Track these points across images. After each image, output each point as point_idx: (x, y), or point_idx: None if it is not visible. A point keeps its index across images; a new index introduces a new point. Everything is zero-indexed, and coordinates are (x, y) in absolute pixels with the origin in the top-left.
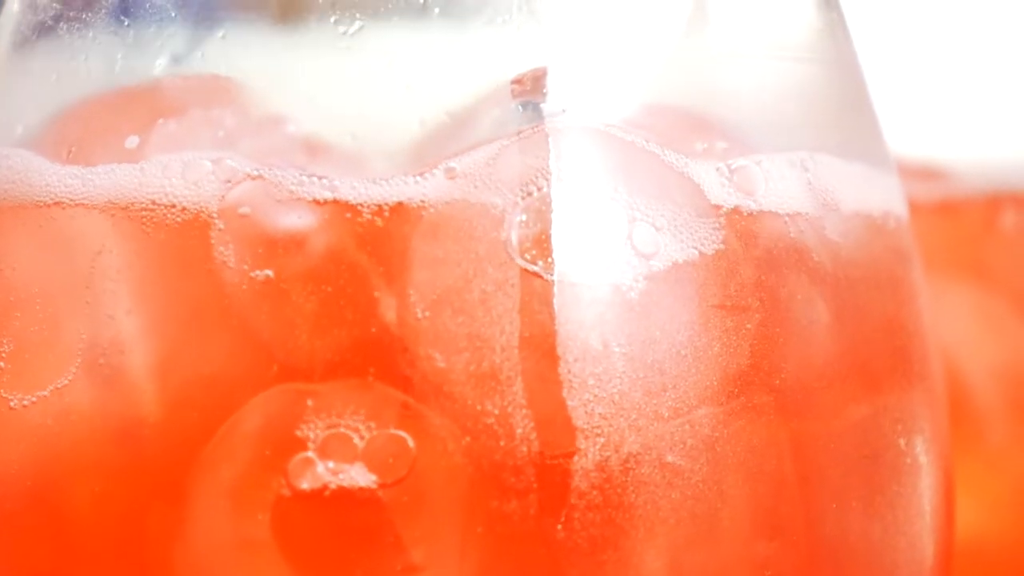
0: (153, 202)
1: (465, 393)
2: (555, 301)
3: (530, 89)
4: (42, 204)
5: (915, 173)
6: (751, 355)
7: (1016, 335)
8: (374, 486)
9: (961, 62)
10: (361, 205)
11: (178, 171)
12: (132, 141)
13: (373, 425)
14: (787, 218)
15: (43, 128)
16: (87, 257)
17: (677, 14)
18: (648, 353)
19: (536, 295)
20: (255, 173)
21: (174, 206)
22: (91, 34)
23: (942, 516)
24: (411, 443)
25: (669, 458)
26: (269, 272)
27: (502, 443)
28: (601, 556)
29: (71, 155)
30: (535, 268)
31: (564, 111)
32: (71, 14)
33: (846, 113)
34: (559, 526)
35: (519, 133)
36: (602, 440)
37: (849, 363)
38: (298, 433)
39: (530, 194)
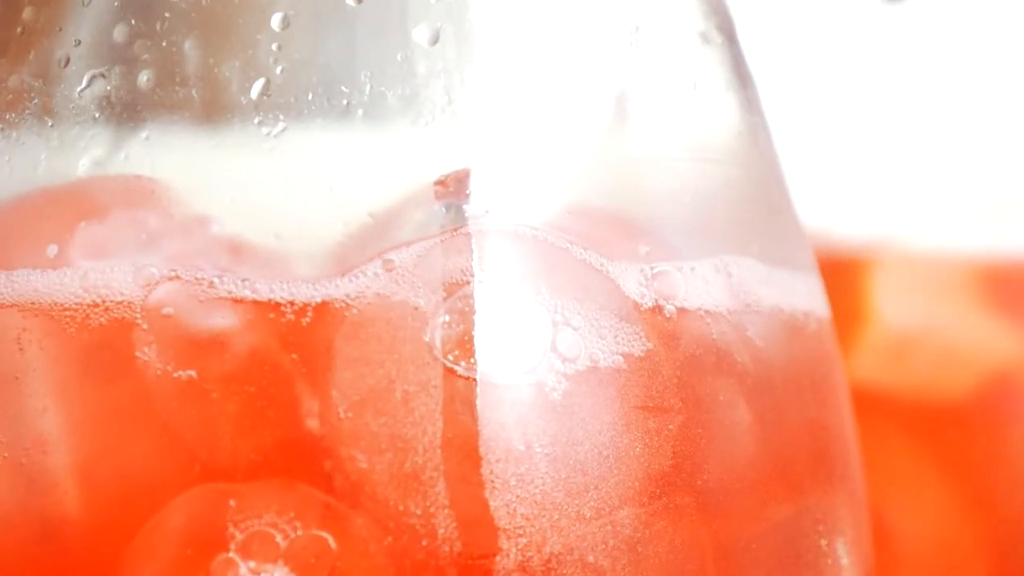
0: (76, 303)
1: (387, 493)
2: (478, 402)
3: (453, 190)
4: None
5: None
6: (673, 456)
7: None
8: None
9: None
10: (284, 305)
11: (101, 272)
12: (52, 249)
13: (297, 525)
14: (709, 321)
15: None
16: (9, 357)
17: (599, 116)
18: (570, 454)
19: (459, 396)
20: (178, 274)
21: (97, 306)
22: (15, 135)
23: None
24: (333, 544)
25: (591, 559)
26: (192, 372)
27: (424, 543)
28: None
29: None
30: (458, 369)
31: (487, 212)
32: None
33: (768, 216)
34: None
35: (442, 234)
36: (524, 540)
37: (771, 464)
38: (220, 533)
39: (453, 295)
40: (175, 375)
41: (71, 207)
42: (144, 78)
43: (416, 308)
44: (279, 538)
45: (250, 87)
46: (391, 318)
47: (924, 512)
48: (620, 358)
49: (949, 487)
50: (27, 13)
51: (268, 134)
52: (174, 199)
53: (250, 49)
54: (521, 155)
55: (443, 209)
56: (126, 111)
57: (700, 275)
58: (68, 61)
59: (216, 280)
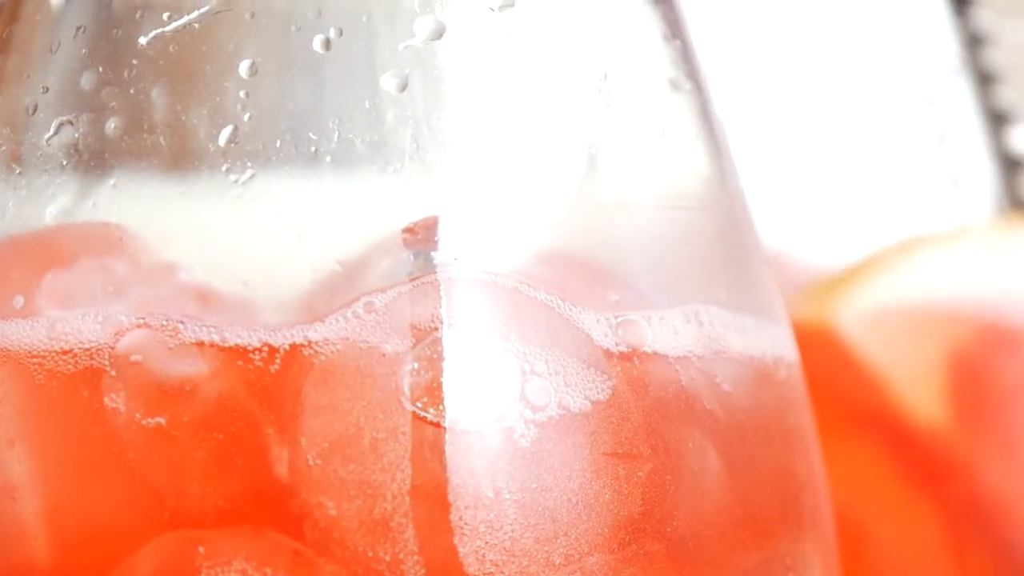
0: (44, 350)
1: (356, 540)
2: (446, 448)
3: (422, 238)
4: None
5: None
6: (643, 503)
7: None
8: None
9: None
10: (252, 352)
11: (69, 320)
12: (19, 300)
13: (266, 572)
14: (678, 367)
15: None
16: None
17: (568, 163)
18: (540, 500)
19: (427, 442)
20: (146, 322)
21: (65, 353)
22: None
23: None
24: None
25: None
26: (161, 419)
27: None
28: None
29: None
30: (426, 415)
31: (456, 260)
32: None
33: (738, 262)
34: None
35: (411, 282)
36: None
37: (740, 511)
38: None
39: (421, 342)
40: (144, 422)
41: (38, 255)
42: (112, 125)
43: (384, 355)
44: None
45: (218, 134)
46: (359, 365)
47: (897, 516)
48: (589, 405)
49: (923, 492)
50: None
51: (236, 181)
52: (142, 247)
53: (218, 96)
54: (489, 202)
55: (411, 256)
56: (94, 158)
57: (669, 323)
58: (36, 108)
59: (184, 327)
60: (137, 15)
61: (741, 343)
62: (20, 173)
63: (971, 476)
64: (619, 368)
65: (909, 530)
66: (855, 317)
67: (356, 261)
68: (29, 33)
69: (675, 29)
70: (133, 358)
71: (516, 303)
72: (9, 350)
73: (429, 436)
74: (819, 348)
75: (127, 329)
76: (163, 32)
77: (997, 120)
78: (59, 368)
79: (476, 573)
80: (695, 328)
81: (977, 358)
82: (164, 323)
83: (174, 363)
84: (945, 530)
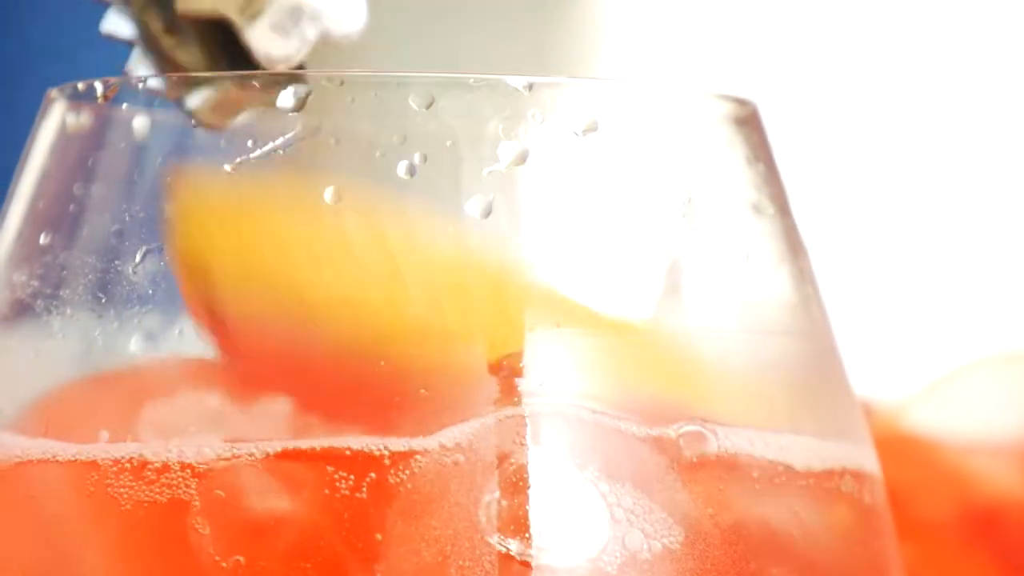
0: (131, 479)
1: None
2: None
3: (506, 367)
4: (12, 465)
5: None
6: None
7: None
8: None
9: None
10: (339, 481)
11: (156, 451)
12: (105, 433)
13: None
14: (763, 499)
15: (21, 411)
16: (60, 529)
17: (651, 288)
18: None
19: None
20: (234, 453)
21: (153, 484)
22: (69, 311)
23: None
24: None
25: None
26: (246, 553)
27: None
28: None
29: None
30: (510, 550)
31: (541, 385)
32: (47, 291)
33: (824, 391)
34: None
35: (496, 412)
36: None
37: None
38: None
39: (506, 472)
40: (230, 557)
41: (128, 389)
42: None
43: (469, 487)
44: None
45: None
46: (444, 495)
47: None
48: (673, 539)
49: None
50: (78, 188)
51: None
52: (231, 378)
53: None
54: (574, 330)
55: (496, 385)
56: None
57: (755, 454)
58: (121, 236)
59: (271, 459)
60: (221, 142)
61: (824, 470)
62: (106, 302)
63: None
64: (703, 501)
65: None
66: (927, 413)
67: (442, 390)
68: (113, 160)
69: (759, 152)
70: (217, 492)
71: (601, 434)
72: (96, 477)
73: (514, 570)
74: (897, 457)
75: (215, 460)
76: (248, 159)
77: None
78: (146, 497)
79: None
80: (780, 455)
81: None
82: (252, 453)
83: (261, 495)
84: None
